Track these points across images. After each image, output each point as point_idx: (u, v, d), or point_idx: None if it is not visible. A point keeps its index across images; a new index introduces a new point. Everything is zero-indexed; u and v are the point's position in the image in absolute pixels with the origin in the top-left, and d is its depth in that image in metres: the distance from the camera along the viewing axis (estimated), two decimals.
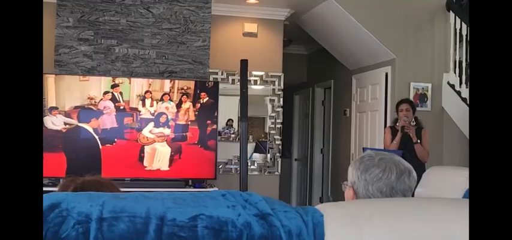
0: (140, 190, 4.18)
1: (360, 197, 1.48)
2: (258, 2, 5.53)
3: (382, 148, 4.79)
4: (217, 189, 4.47)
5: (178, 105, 4.63)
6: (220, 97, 4.85)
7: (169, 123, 4.59)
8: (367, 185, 1.44)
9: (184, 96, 4.63)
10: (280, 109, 5.94)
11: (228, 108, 5.76)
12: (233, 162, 5.71)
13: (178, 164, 4.64)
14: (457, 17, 5.21)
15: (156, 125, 4.48)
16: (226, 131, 6.03)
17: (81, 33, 4.73)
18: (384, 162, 1.46)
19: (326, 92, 7.49)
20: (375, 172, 1.44)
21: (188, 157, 4.64)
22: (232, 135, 5.97)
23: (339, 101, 6.85)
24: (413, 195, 3.41)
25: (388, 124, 5.04)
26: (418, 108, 4.74)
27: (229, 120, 6.03)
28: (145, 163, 4.57)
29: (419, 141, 4.38)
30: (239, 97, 4.53)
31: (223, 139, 5.87)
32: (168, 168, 4.62)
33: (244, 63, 4.60)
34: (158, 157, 4.54)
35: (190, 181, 4.70)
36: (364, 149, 4.64)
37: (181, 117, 4.61)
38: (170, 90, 4.63)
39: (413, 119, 4.51)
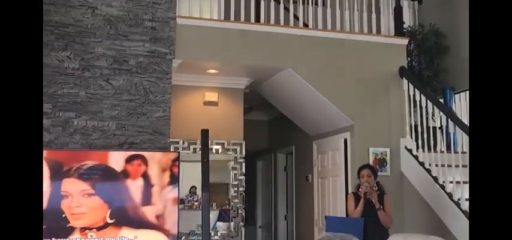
0: None
1: None
2: (218, 72, 5.60)
3: (345, 215, 4.80)
4: None
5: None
6: (183, 164, 4.78)
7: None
8: None
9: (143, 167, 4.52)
10: (242, 177, 5.92)
11: (191, 175, 5.68)
12: (196, 232, 5.59)
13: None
14: (410, 84, 5.41)
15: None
16: (189, 198, 5.94)
17: None
18: None
19: (288, 157, 7.53)
20: None
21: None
22: (196, 203, 5.89)
23: (300, 167, 6.89)
24: None
25: (351, 190, 5.07)
26: (378, 173, 4.80)
27: (192, 187, 5.95)
28: None
29: (382, 207, 4.41)
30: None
31: (186, 207, 5.77)
32: None
33: (204, 133, 4.60)
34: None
35: None
36: (326, 218, 4.64)
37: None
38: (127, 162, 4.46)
39: (375, 184, 4.54)
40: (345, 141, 5.57)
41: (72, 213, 4.02)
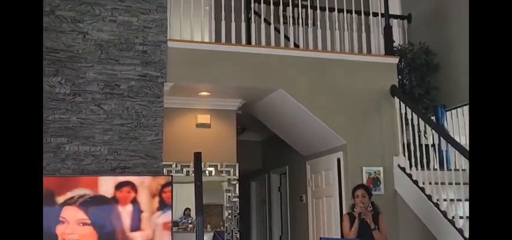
0: None
1: None
2: (210, 94, 5.60)
3: (340, 236, 4.77)
4: None
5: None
6: (177, 185, 4.76)
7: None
8: None
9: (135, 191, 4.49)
10: (236, 199, 5.88)
11: (186, 197, 5.65)
12: None
13: None
14: (401, 102, 5.43)
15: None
16: (183, 220, 5.90)
17: None
18: None
19: (282, 177, 7.51)
20: None
21: None
22: (190, 226, 5.84)
23: (294, 187, 6.87)
24: None
25: (346, 211, 5.04)
26: (372, 193, 4.77)
27: (186, 209, 5.92)
28: None
29: (377, 227, 4.38)
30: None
31: (180, 230, 5.73)
32: None
33: (197, 156, 4.59)
34: None
35: None
36: (321, 239, 4.61)
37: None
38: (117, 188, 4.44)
39: (370, 204, 4.51)
40: (338, 160, 5.57)
41: (65, 239, 4.04)
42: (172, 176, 4.68)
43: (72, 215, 4.10)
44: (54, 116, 4.70)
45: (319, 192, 6.07)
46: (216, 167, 5.83)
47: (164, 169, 5.19)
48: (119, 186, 4.23)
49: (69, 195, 4.12)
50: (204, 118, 5.87)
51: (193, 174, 4.86)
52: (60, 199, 4.11)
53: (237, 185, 5.90)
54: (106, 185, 4.22)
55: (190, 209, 5.86)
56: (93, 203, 4.19)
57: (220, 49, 5.24)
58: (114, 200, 4.22)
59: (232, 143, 5.95)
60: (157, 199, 4.27)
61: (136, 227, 4.20)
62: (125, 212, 4.20)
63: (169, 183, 4.34)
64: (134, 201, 4.23)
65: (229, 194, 5.88)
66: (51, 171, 4.59)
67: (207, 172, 5.71)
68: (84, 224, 4.13)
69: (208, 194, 5.28)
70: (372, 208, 4.49)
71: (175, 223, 5.40)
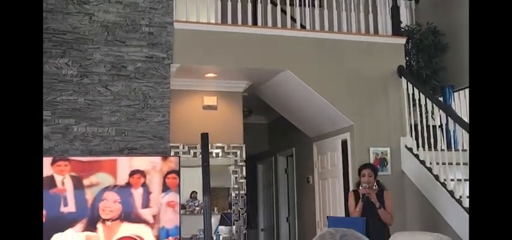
0: None
1: None
2: (216, 75, 5.60)
3: (345, 214, 4.78)
4: None
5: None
6: (183, 169, 4.80)
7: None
8: None
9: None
10: (243, 180, 5.90)
11: (192, 180, 5.69)
12: (198, 237, 5.57)
13: None
14: (409, 83, 5.40)
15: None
16: (190, 203, 5.94)
17: None
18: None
19: (288, 159, 7.52)
20: None
21: None
22: (197, 208, 5.89)
23: (301, 169, 6.88)
24: None
25: (352, 188, 5.07)
26: (378, 173, 4.78)
27: (193, 192, 5.95)
28: None
29: (382, 205, 4.39)
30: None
31: (187, 212, 5.77)
32: None
33: (204, 137, 4.60)
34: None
35: None
36: (328, 218, 4.63)
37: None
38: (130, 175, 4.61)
39: (375, 183, 4.54)
40: (344, 142, 5.56)
41: (103, 210, 4.51)
42: (179, 156, 4.71)
43: (110, 195, 4.57)
44: (62, 97, 4.73)
45: (325, 173, 6.08)
46: (222, 148, 5.84)
47: (171, 150, 5.21)
48: (131, 174, 4.58)
49: (94, 180, 4.51)
50: (211, 100, 5.87)
51: (199, 157, 4.89)
52: (86, 182, 4.47)
53: (244, 167, 5.91)
54: (123, 168, 4.52)
55: (196, 193, 5.89)
56: (120, 188, 4.58)
57: (227, 30, 5.23)
58: (129, 185, 4.57)
59: (238, 125, 5.96)
60: (162, 182, 4.57)
61: (146, 205, 4.53)
62: (137, 193, 4.57)
63: (173, 171, 4.53)
64: (144, 185, 4.57)
65: (236, 176, 5.90)
66: (60, 152, 4.62)
67: (214, 153, 5.73)
68: (115, 201, 4.54)
69: (215, 177, 5.31)
70: (377, 187, 4.51)
71: (182, 206, 5.43)
